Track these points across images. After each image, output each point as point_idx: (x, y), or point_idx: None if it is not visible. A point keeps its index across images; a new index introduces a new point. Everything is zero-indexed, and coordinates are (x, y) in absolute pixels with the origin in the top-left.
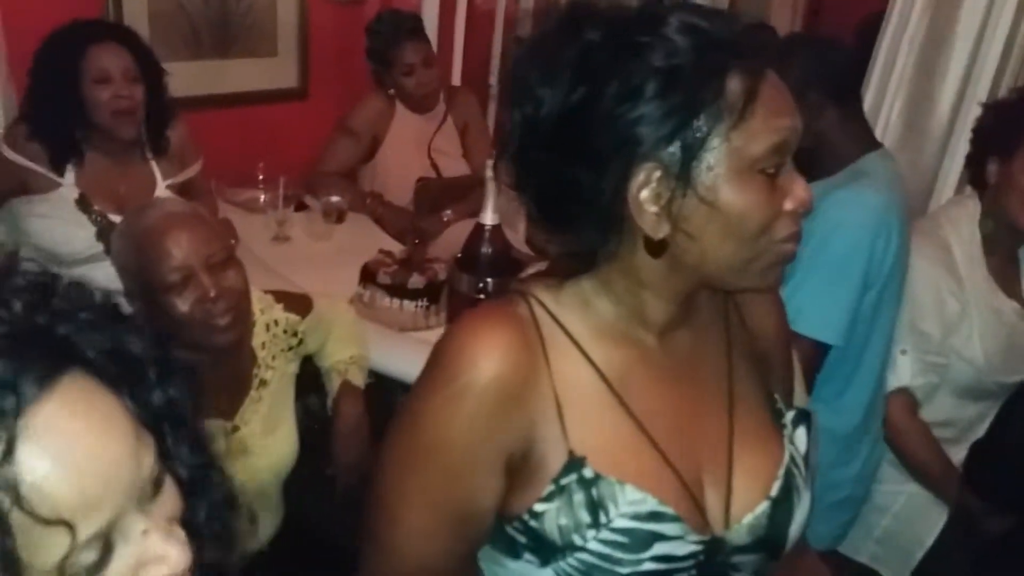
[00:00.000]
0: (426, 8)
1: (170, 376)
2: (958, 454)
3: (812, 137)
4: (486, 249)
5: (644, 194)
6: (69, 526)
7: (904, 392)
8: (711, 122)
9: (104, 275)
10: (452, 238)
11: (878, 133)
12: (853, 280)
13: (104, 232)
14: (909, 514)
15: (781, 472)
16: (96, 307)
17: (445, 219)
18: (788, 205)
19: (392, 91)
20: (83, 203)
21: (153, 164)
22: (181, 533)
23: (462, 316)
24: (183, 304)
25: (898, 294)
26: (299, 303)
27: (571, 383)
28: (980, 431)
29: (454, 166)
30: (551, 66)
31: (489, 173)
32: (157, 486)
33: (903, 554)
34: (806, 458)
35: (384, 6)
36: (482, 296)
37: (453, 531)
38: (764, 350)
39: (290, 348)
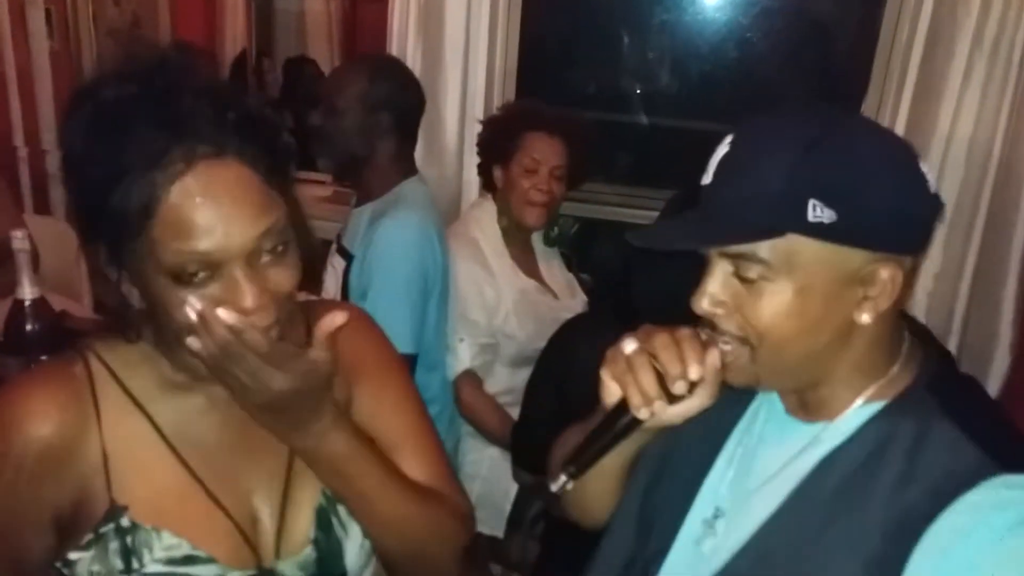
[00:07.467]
0: None
1: None
2: None
3: (368, 148)
4: (31, 326)
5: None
6: None
7: (468, 373)
8: (122, 222)
9: None
10: None
11: None
12: (413, 295)
13: None
14: (495, 474)
15: (314, 507)
16: None
17: None
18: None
19: None
20: None
21: None
22: None
23: (13, 379)
24: None
25: (447, 293)
26: None
27: (123, 437)
28: None
29: None
30: None
31: (18, 244)
32: None
33: (496, 510)
34: None
35: None
36: None
37: None
38: (352, 378)
39: None
